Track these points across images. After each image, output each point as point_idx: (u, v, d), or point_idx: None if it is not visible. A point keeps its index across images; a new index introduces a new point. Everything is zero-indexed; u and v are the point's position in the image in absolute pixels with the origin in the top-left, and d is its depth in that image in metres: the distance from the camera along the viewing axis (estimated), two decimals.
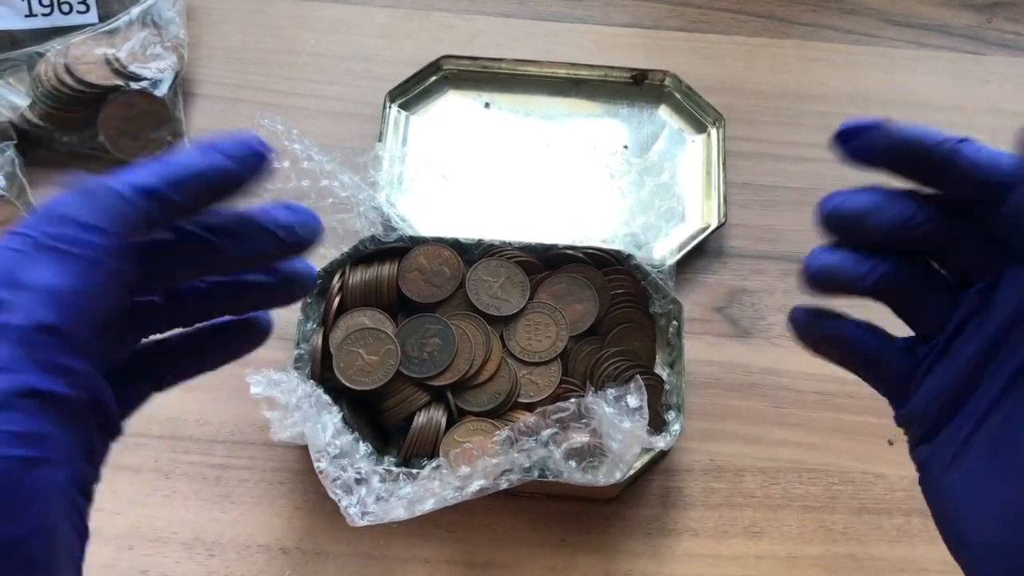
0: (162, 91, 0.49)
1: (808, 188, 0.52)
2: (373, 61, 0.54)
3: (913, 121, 0.32)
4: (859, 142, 0.27)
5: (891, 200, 0.27)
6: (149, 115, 0.49)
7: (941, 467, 0.24)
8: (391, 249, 0.43)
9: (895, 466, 0.43)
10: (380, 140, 0.50)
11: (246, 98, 0.53)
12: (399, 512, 0.36)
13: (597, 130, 0.53)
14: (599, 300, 0.43)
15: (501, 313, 0.42)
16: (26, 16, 0.50)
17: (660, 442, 0.39)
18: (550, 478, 0.38)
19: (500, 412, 0.40)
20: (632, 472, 0.39)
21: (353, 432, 0.39)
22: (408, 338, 0.41)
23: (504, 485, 0.37)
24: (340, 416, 0.39)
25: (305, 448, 0.43)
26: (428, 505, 0.37)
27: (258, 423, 0.43)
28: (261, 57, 0.54)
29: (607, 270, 0.43)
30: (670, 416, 0.40)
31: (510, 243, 0.43)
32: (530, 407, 0.40)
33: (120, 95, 0.48)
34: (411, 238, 0.44)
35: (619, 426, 0.36)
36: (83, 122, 0.49)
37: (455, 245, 0.43)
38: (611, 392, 0.37)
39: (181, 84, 0.51)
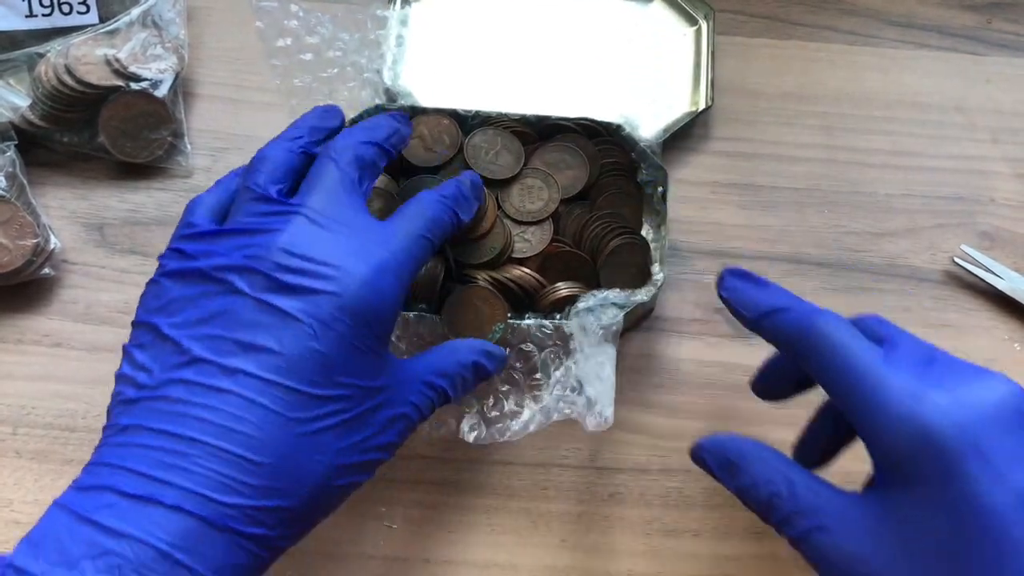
0: (162, 92, 0.49)
1: (808, 189, 0.52)
2: None
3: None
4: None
5: None
6: (149, 115, 0.49)
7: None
8: None
9: None
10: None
11: (246, 99, 0.53)
12: None
13: (593, 12, 0.55)
14: (590, 167, 0.45)
15: (496, 177, 0.44)
16: (26, 16, 0.50)
17: (644, 294, 0.41)
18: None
19: (496, 264, 0.42)
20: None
21: None
22: (408, 196, 0.42)
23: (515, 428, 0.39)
24: None
25: None
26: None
27: None
28: (262, 58, 0.54)
29: (598, 141, 0.46)
30: (655, 269, 0.43)
31: (506, 114, 0.45)
32: (523, 261, 0.43)
33: (120, 96, 0.48)
34: (412, 108, 0.45)
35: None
36: (83, 123, 0.49)
37: (453, 115, 0.45)
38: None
39: (181, 85, 0.51)
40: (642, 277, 0.42)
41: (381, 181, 0.44)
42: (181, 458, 0.27)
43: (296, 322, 0.30)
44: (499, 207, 0.44)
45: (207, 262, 0.31)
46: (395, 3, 0.54)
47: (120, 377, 0.31)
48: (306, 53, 0.43)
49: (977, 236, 0.50)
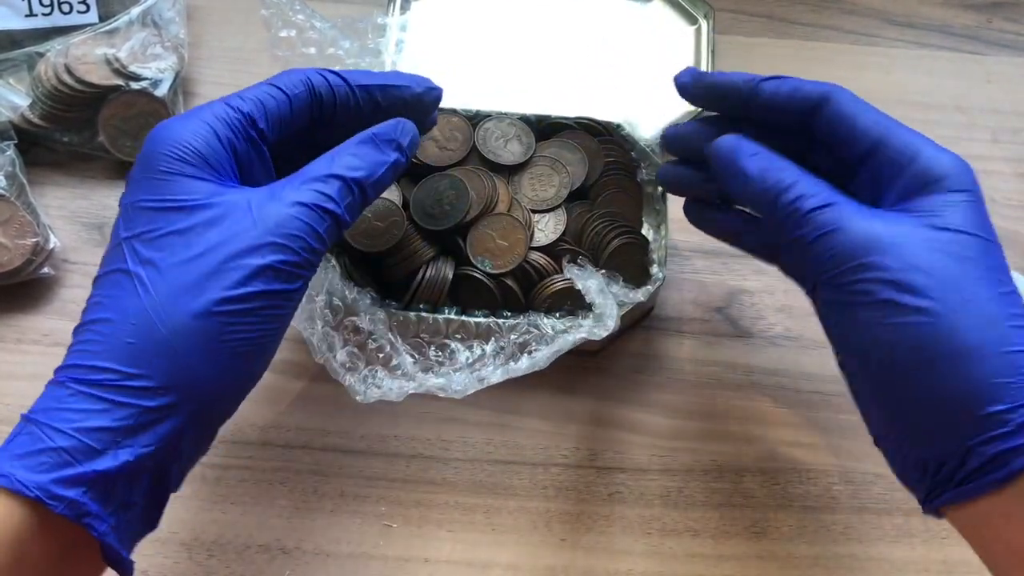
0: (162, 91, 0.49)
1: None
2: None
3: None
4: (689, 93, 0.38)
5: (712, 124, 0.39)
6: (149, 115, 0.49)
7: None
8: None
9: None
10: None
11: None
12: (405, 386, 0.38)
13: (593, 11, 0.55)
14: (589, 163, 0.45)
15: (501, 162, 0.45)
16: (26, 16, 0.50)
17: (643, 294, 0.41)
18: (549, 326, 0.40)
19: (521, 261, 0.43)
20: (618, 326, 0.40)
21: (352, 282, 0.41)
22: (425, 198, 0.43)
23: (522, 366, 0.39)
24: (338, 274, 0.40)
25: (304, 448, 0.43)
26: (432, 382, 0.38)
27: (258, 423, 0.43)
28: (261, 57, 0.54)
29: (599, 139, 0.46)
30: (653, 269, 0.42)
31: (506, 114, 0.46)
32: (537, 250, 0.43)
33: (120, 95, 0.48)
34: None
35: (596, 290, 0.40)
36: (83, 122, 0.49)
37: (455, 114, 0.46)
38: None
39: (181, 84, 0.51)
40: (642, 276, 0.42)
41: (389, 191, 0.43)
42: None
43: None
44: (512, 198, 0.44)
45: None
46: (394, 8, 0.54)
47: None
48: (309, 47, 0.43)
49: None
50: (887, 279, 0.30)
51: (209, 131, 0.31)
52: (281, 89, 0.33)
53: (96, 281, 0.31)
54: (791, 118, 0.36)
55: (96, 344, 0.29)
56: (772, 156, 0.35)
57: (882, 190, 0.34)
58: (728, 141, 0.36)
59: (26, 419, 0.29)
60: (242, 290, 0.29)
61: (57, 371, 0.30)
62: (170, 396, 0.29)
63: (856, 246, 0.31)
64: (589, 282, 0.39)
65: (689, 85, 0.37)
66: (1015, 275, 0.48)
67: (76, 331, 0.30)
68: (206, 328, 0.29)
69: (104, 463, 0.28)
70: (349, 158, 0.33)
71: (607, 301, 0.39)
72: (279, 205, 0.31)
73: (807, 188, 0.33)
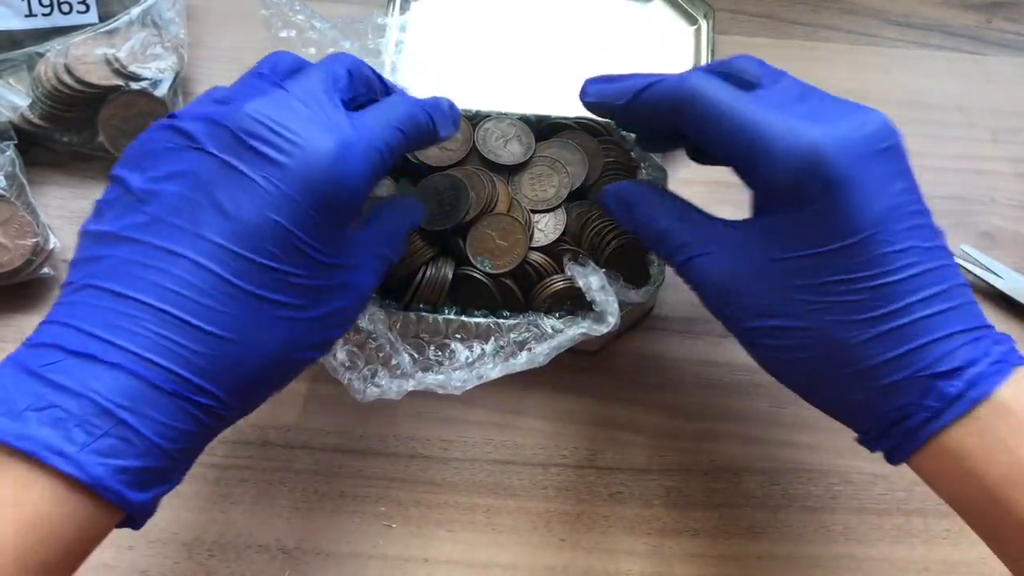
0: (162, 91, 0.49)
1: None
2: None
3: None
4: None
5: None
6: (149, 115, 0.49)
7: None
8: None
9: (895, 466, 0.43)
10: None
11: None
12: (405, 385, 0.38)
13: (593, 11, 0.56)
14: (589, 163, 0.45)
15: (502, 162, 0.45)
16: (26, 16, 0.50)
17: (643, 294, 0.41)
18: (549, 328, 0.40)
19: (522, 259, 0.43)
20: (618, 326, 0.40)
21: None
22: (424, 198, 0.43)
23: (521, 362, 0.39)
24: None
25: (304, 448, 0.43)
26: (430, 380, 0.38)
27: (258, 423, 0.43)
28: (264, 51, 0.54)
29: (599, 139, 0.46)
30: (653, 269, 0.42)
31: (506, 114, 0.46)
32: (536, 250, 0.43)
33: (120, 95, 0.48)
34: None
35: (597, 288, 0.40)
36: (83, 122, 0.49)
37: None
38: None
39: (181, 84, 0.51)
40: (642, 276, 0.42)
41: (383, 186, 0.43)
42: (127, 319, 0.26)
43: (256, 188, 0.28)
44: (512, 197, 0.44)
45: (179, 118, 0.30)
46: (394, 8, 0.54)
47: (83, 233, 0.30)
48: (309, 47, 0.44)
49: (977, 236, 0.50)
50: (752, 328, 0.32)
51: (369, 185, 0.31)
52: (405, 135, 0.33)
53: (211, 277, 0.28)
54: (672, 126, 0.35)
55: (200, 357, 0.27)
56: (643, 204, 0.36)
57: (753, 196, 0.33)
58: (600, 197, 0.38)
59: (116, 418, 0.26)
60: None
61: (132, 358, 0.26)
62: (233, 422, 0.31)
63: (716, 303, 0.33)
64: (590, 279, 0.39)
65: (589, 109, 0.38)
66: (1014, 274, 0.48)
67: (163, 319, 0.27)
68: (291, 372, 0.31)
69: (180, 475, 0.29)
70: (401, 247, 0.37)
71: (608, 298, 0.39)
72: (365, 286, 0.33)
73: (674, 239, 0.34)
